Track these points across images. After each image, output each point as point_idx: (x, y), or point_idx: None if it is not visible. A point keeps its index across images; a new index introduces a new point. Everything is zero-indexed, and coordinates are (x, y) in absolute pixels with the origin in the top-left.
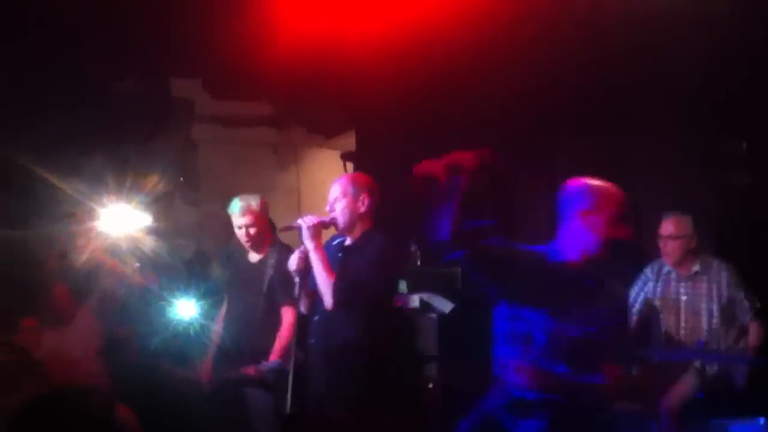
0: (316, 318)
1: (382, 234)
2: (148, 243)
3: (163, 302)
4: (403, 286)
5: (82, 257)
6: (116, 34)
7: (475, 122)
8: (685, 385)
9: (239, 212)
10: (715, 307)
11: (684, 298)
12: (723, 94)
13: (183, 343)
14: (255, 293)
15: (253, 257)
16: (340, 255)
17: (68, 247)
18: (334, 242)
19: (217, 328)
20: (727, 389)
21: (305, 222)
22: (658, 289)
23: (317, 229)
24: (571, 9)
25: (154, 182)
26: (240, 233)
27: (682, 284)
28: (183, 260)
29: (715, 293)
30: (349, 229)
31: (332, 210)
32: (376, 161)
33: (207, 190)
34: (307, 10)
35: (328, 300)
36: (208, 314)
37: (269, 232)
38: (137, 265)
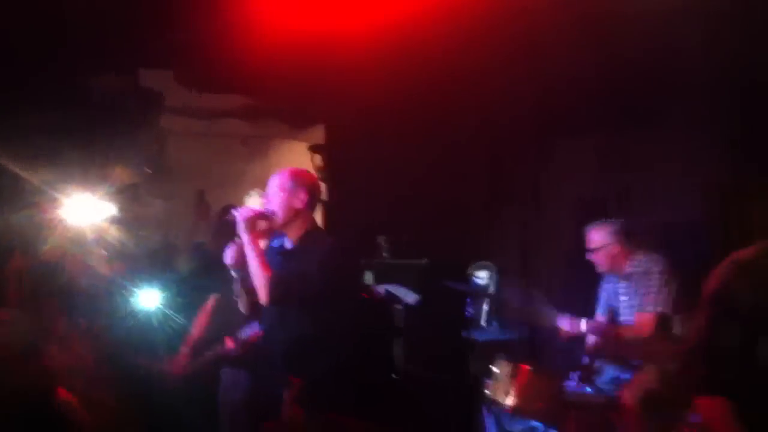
0: (264, 326)
1: (323, 236)
2: (113, 234)
3: (128, 293)
4: (369, 277)
5: (46, 249)
6: (86, 25)
7: (441, 120)
8: (644, 379)
9: (257, 194)
10: (636, 303)
11: (624, 299)
12: (725, 94)
13: (151, 334)
14: None
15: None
16: (279, 257)
17: (30, 238)
18: (274, 244)
19: (201, 320)
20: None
21: (240, 214)
22: (610, 294)
23: (252, 222)
24: (569, 9)
25: (120, 173)
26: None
27: (621, 286)
28: (149, 251)
29: (641, 288)
30: (286, 225)
31: (269, 203)
32: (344, 154)
33: (175, 182)
34: (280, 3)
35: (262, 296)
36: (177, 305)
37: None
38: (104, 253)
